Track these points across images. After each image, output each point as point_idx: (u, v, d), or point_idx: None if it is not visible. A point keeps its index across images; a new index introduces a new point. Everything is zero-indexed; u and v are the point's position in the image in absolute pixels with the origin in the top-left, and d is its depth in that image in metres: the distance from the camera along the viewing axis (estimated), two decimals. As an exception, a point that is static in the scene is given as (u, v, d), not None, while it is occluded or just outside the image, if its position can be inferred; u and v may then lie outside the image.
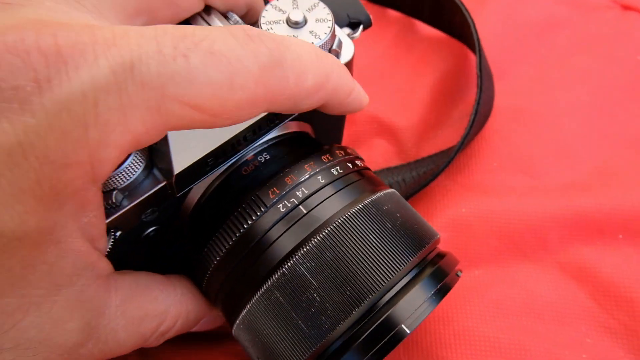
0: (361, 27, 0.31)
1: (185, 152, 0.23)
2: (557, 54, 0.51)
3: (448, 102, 0.47)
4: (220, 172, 0.27)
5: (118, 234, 0.23)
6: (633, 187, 0.39)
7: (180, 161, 0.23)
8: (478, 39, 0.41)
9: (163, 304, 0.24)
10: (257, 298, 0.24)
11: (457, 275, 0.27)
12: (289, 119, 0.28)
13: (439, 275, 0.25)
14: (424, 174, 0.40)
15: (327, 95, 0.22)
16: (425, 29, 0.52)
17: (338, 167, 0.26)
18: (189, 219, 0.27)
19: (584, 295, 0.35)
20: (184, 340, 0.32)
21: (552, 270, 0.37)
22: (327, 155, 0.27)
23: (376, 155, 0.44)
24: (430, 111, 0.46)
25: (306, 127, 0.31)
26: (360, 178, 0.27)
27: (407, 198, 0.39)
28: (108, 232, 0.22)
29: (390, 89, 0.48)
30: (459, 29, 0.45)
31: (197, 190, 0.27)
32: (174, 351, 0.32)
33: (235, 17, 0.27)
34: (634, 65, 0.50)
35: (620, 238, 0.37)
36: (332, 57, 0.23)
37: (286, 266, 0.23)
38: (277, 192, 0.25)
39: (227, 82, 0.17)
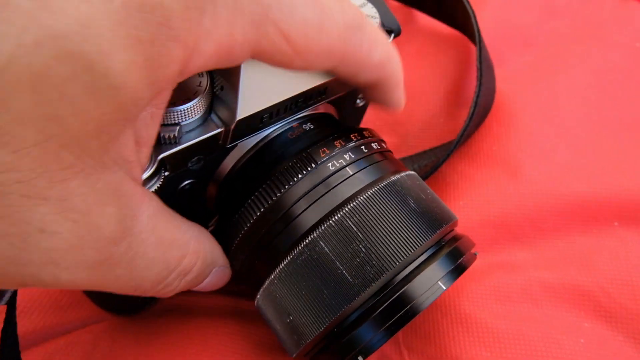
0: (392, 35, 0.34)
1: (249, 102, 0.25)
2: (556, 42, 0.52)
3: (449, 93, 0.48)
4: (266, 134, 0.28)
5: (166, 173, 0.24)
6: (628, 173, 0.40)
7: (243, 109, 0.24)
8: (479, 30, 0.42)
9: (186, 234, 0.24)
10: (282, 267, 0.26)
11: (475, 255, 0.29)
12: (329, 99, 0.30)
13: (456, 254, 0.27)
14: (425, 166, 0.41)
15: (384, 76, 0.24)
16: (426, 20, 0.52)
17: (364, 147, 0.28)
18: (226, 177, 0.29)
19: (582, 280, 0.36)
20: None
21: (549, 257, 0.37)
22: (356, 134, 0.28)
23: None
24: (432, 102, 0.47)
25: (333, 111, 0.33)
26: (383, 159, 0.29)
27: None
28: (159, 171, 0.23)
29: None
30: (460, 19, 0.46)
31: (242, 147, 0.28)
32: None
33: None
34: (633, 53, 0.50)
35: (615, 225, 0.38)
36: (395, 47, 0.25)
37: (309, 237, 0.25)
38: (312, 164, 0.26)
39: (317, 24, 0.19)
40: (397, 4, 0.53)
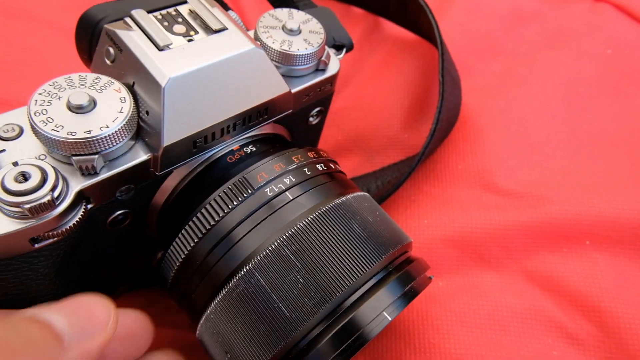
0: (344, 49, 0.34)
1: (177, 127, 0.23)
2: (525, 49, 0.50)
3: (413, 107, 0.46)
4: (205, 158, 0.27)
5: (89, 206, 0.23)
6: (599, 192, 0.38)
7: (170, 134, 0.23)
8: (442, 43, 0.40)
9: None
10: (218, 300, 0.24)
11: (429, 278, 0.27)
12: (273, 119, 0.29)
13: (406, 279, 0.25)
14: (388, 183, 0.40)
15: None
16: (391, 28, 0.51)
17: (307, 169, 0.27)
18: (163, 206, 0.27)
19: (551, 305, 0.34)
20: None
21: (517, 279, 0.36)
22: (298, 155, 0.27)
23: (343, 165, 0.43)
24: (396, 117, 0.45)
25: (284, 132, 0.32)
26: (330, 180, 0.27)
27: None
28: (78, 203, 0.22)
29: (355, 94, 0.47)
30: (425, 28, 0.45)
31: (175, 176, 0.27)
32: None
33: None
34: (604, 60, 0.48)
35: (587, 244, 0.36)
36: None
37: (246, 268, 0.24)
38: (249, 190, 0.25)
39: None
40: (362, 11, 0.52)
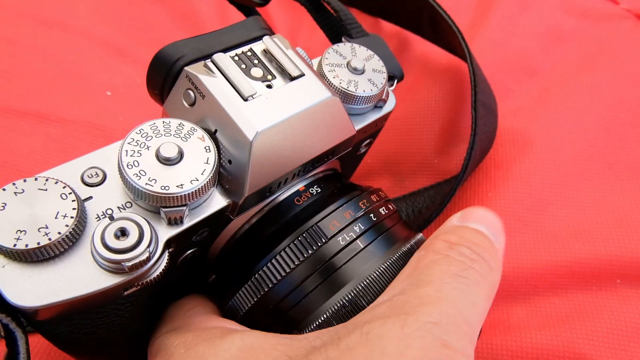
0: (396, 80, 0.34)
1: (259, 177, 0.24)
2: (563, 70, 0.49)
3: (444, 131, 0.46)
4: (272, 198, 0.28)
5: (170, 250, 0.23)
6: (633, 229, 0.39)
7: (253, 185, 0.24)
8: (475, 73, 0.40)
9: None
10: None
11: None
12: (336, 157, 0.30)
13: None
14: (419, 212, 0.40)
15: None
16: (423, 46, 0.50)
17: (372, 215, 0.28)
18: (227, 242, 0.28)
19: (579, 341, 0.35)
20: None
21: (545, 315, 0.37)
22: (364, 201, 0.28)
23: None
24: (426, 141, 0.45)
25: (336, 164, 0.32)
26: (392, 224, 0.28)
27: None
28: (165, 250, 0.23)
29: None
30: (458, 50, 0.44)
31: (244, 216, 0.27)
32: None
33: None
34: None
35: (618, 283, 0.38)
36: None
37: (322, 318, 0.24)
38: (322, 239, 0.26)
39: None
40: (393, 27, 0.51)
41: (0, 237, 0.19)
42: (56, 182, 0.21)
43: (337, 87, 0.28)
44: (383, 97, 0.30)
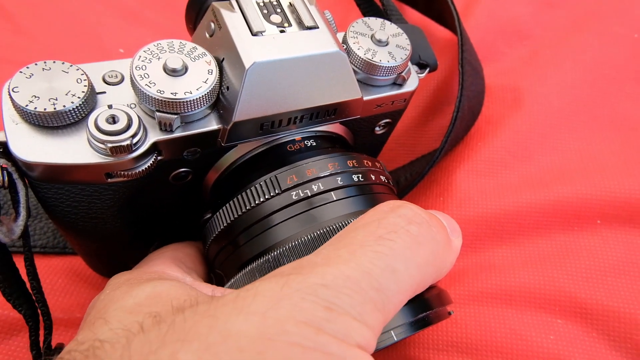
0: (428, 69, 0.35)
1: (249, 107, 0.26)
2: (552, 33, 0.52)
3: (438, 98, 0.48)
4: (268, 141, 0.29)
5: (160, 157, 0.26)
6: (613, 173, 0.40)
7: (242, 112, 0.26)
8: (462, 33, 0.41)
9: None
10: (240, 276, 0.27)
11: (449, 314, 0.28)
12: (340, 121, 0.31)
13: (422, 307, 0.25)
14: (415, 174, 0.42)
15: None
16: (417, 17, 0.52)
17: (360, 175, 0.28)
18: (221, 174, 0.30)
19: (561, 277, 0.37)
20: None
21: (530, 254, 0.39)
22: (354, 161, 0.28)
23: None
24: (419, 107, 0.47)
25: (348, 135, 0.33)
26: (376, 192, 0.28)
27: (400, 198, 0.42)
28: (151, 152, 0.25)
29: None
30: (449, 20, 0.46)
31: (239, 150, 0.29)
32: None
33: None
34: (631, 44, 0.50)
35: (598, 223, 0.39)
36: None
37: (272, 254, 0.26)
38: (295, 179, 0.27)
39: None
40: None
41: (19, 97, 0.23)
42: (77, 69, 0.25)
43: (354, 52, 0.29)
44: (403, 74, 0.30)
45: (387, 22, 0.31)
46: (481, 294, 0.36)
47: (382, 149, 0.39)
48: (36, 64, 0.24)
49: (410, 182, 0.41)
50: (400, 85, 0.31)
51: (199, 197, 0.32)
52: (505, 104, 0.46)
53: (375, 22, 0.31)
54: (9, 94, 0.23)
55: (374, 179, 0.29)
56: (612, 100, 0.46)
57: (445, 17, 0.46)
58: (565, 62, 0.48)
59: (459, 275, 0.38)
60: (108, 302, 0.23)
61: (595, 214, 0.39)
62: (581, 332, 0.34)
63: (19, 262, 0.27)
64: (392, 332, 0.24)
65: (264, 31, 0.25)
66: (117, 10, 0.53)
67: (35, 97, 0.23)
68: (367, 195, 0.27)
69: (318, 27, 0.27)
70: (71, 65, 0.25)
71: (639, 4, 0.52)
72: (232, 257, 0.27)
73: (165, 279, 0.25)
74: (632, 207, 0.39)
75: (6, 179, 0.24)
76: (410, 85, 0.32)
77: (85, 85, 0.24)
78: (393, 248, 0.21)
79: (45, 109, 0.23)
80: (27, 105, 0.23)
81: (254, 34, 0.25)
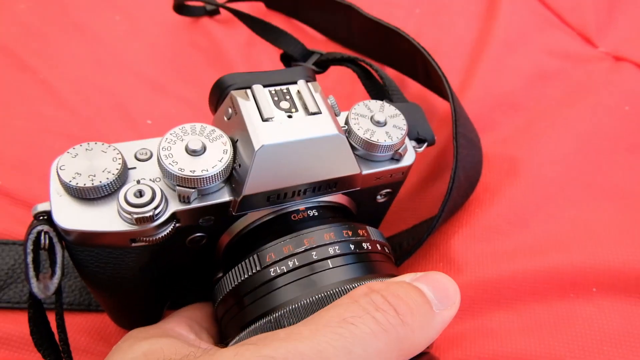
0: (426, 143, 0.38)
1: (258, 182, 0.29)
2: (546, 105, 0.55)
3: (438, 165, 0.51)
4: (275, 210, 0.32)
5: (177, 224, 0.29)
6: (608, 242, 0.42)
7: (251, 187, 0.29)
8: (455, 107, 0.45)
9: None
10: (244, 334, 0.29)
11: None
12: (342, 192, 0.34)
13: None
14: (413, 240, 0.44)
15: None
16: (418, 89, 0.56)
17: (354, 245, 0.30)
18: (233, 238, 0.33)
19: (558, 347, 0.37)
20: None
21: (526, 321, 0.40)
22: (349, 231, 0.31)
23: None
24: (423, 176, 0.50)
25: (351, 204, 0.36)
26: (370, 261, 0.30)
27: (402, 262, 0.44)
28: (172, 220, 0.29)
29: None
30: (445, 94, 0.49)
31: (248, 218, 0.32)
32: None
33: None
34: (622, 116, 0.53)
35: (594, 291, 0.40)
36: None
37: (274, 315, 0.28)
38: (292, 249, 0.29)
39: None
40: (395, 73, 0.58)
41: (65, 174, 0.27)
42: (114, 149, 0.29)
43: (354, 132, 0.33)
44: (399, 150, 0.34)
45: (387, 105, 0.35)
46: (479, 357, 0.37)
47: (384, 216, 0.42)
48: (81, 145, 0.29)
49: (412, 246, 0.43)
50: (398, 160, 0.35)
51: (213, 258, 0.35)
52: (502, 172, 0.49)
53: (375, 104, 0.35)
54: (57, 171, 0.27)
55: (369, 247, 0.31)
56: (603, 169, 0.48)
57: (443, 91, 0.50)
58: (559, 133, 0.51)
59: (457, 339, 0.39)
60: (113, 353, 0.27)
61: (591, 282, 0.40)
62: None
63: (50, 317, 0.30)
64: None
65: (273, 117, 0.29)
66: (147, 84, 0.59)
67: (78, 174, 0.27)
68: (363, 263, 0.30)
69: (321, 113, 0.31)
70: (109, 146, 0.29)
71: (629, 77, 0.56)
72: (236, 317, 0.30)
73: (168, 336, 0.28)
74: (626, 276, 0.40)
75: (47, 242, 0.27)
76: (407, 160, 0.35)
77: (119, 164, 0.28)
78: (353, 332, 0.22)
79: (85, 184, 0.27)
80: (70, 181, 0.27)
81: (264, 120, 0.29)
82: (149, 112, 0.56)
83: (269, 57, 0.63)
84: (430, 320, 0.24)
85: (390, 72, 0.58)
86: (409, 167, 0.36)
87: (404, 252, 0.44)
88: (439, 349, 0.39)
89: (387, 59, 0.57)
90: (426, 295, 0.25)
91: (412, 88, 0.57)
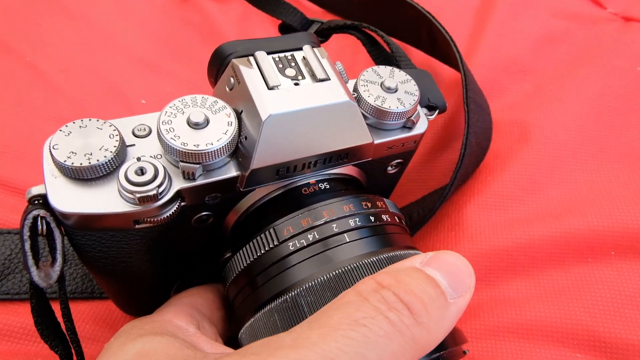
0: (437, 111, 0.36)
1: (266, 155, 0.28)
2: (555, 68, 0.53)
3: (446, 134, 0.49)
4: (284, 184, 0.31)
5: (183, 203, 0.28)
6: (624, 204, 0.41)
7: (259, 160, 0.28)
8: (465, 72, 0.43)
9: None
10: (259, 315, 0.28)
11: (464, 353, 0.28)
12: (353, 163, 0.32)
13: (435, 347, 0.25)
14: (426, 209, 0.43)
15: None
16: (421, 57, 0.54)
17: (374, 216, 0.29)
18: (241, 215, 0.32)
19: (578, 310, 0.37)
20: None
21: (544, 287, 0.39)
22: (368, 203, 0.29)
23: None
24: (432, 147, 0.49)
25: (361, 176, 0.35)
26: (390, 233, 0.29)
27: (413, 233, 0.43)
28: (175, 199, 0.27)
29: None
30: (453, 60, 0.48)
31: (256, 194, 0.31)
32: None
33: None
34: (634, 77, 0.51)
35: (612, 255, 0.39)
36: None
37: (290, 294, 0.27)
38: (310, 222, 0.28)
39: None
40: (396, 40, 0.55)
41: (59, 153, 0.25)
42: (110, 126, 0.27)
43: (364, 99, 0.31)
44: (412, 118, 0.32)
45: (396, 70, 0.33)
46: (497, 329, 0.37)
47: (393, 189, 0.41)
48: (74, 122, 0.27)
49: (423, 217, 0.43)
50: (410, 128, 0.33)
51: (220, 238, 0.33)
52: (513, 138, 0.47)
53: (384, 70, 0.33)
54: (50, 151, 0.25)
55: (387, 219, 0.30)
56: (617, 131, 0.47)
57: (450, 57, 0.48)
58: (569, 96, 0.49)
59: (474, 310, 0.38)
60: (104, 352, 0.25)
61: (609, 245, 0.39)
62: (602, 366, 0.34)
63: (54, 306, 0.28)
64: None
65: (279, 85, 0.28)
66: (140, 64, 0.57)
67: (73, 152, 0.26)
68: (381, 236, 0.29)
69: (330, 79, 0.29)
70: (105, 122, 0.27)
71: (638, 38, 0.54)
72: (250, 298, 0.29)
73: (164, 332, 0.26)
74: (645, 238, 0.39)
75: (44, 227, 0.26)
76: (420, 127, 0.33)
77: (117, 141, 0.26)
78: (367, 335, 0.20)
79: (81, 164, 0.25)
80: (65, 161, 0.25)
81: (269, 88, 0.27)
82: (142, 91, 0.54)
83: (265, 31, 0.61)
84: (444, 312, 0.23)
85: (396, 42, 0.56)
86: (421, 135, 0.34)
87: (415, 223, 0.43)
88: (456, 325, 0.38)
89: (388, 28, 0.55)
90: (440, 285, 0.23)
91: (417, 57, 0.55)
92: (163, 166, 0.26)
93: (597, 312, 0.36)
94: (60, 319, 0.28)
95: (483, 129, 0.45)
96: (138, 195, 0.25)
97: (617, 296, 0.37)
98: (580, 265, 0.39)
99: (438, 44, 0.49)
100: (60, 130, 0.26)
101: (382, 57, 0.44)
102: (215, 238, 0.33)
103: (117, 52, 0.57)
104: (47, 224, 0.26)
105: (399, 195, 0.47)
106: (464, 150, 0.40)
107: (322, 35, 0.47)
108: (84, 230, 0.27)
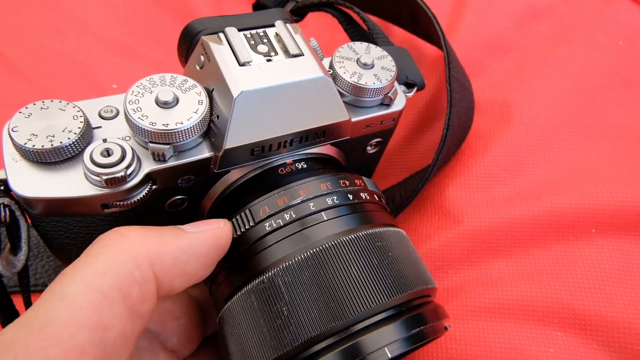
0: (415, 88, 0.36)
1: (239, 134, 0.27)
2: (537, 44, 0.53)
3: (427, 115, 0.49)
4: (260, 165, 0.30)
5: (154, 187, 0.27)
6: (605, 182, 0.41)
7: (232, 139, 0.27)
8: (448, 51, 0.43)
9: None
10: (236, 298, 0.27)
11: (445, 328, 0.28)
12: (330, 142, 0.32)
13: (417, 322, 0.26)
14: (409, 190, 0.43)
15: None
16: (402, 34, 0.54)
17: (350, 195, 0.28)
18: (216, 199, 0.31)
19: (558, 288, 0.37)
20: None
21: (525, 266, 0.39)
22: (346, 181, 0.29)
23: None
24: (411, 125, 0.48)
25: (340, 156, 0.34)
26: (368, 210, 0.29)
27: (396, 215, 0.43)
28: (145, 183, 0.26)
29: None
30: (434, 37, 0.47)
31: (231, 176, 0.30)
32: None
33: None
34: (616, 52, 0.51)
35: (593, 232, 0.40)
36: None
37: (267, 274, 0.26)
38: (287, 201, 0.27)
39: None
40: (377, 20, 0.54)
41: (18, 136, 0.24)
42: (74, 107, 0.26)
43: (340, 76, 0.30)
44: (389, 94, 0.32)
45: (372, 46, 0.32)
46: (479, 308, 0.37)
47: (375, 168, 0.40)
48: (34, 104, 0.26)
49: (405, 199, 0.42)
50: (388, 106, 0.33)
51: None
52: (494, 118, 0.47)
53: (360, 46, 0.32)
54: (9, 134, 0.24)
55: (366, 197, 0.29)
56: (600, 108, 0.47)
57: (431, 34, 0.48)
58: (552, 73, 0.49)
59: (455, 290, 0.39)
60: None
61: (590, 223, 0.39)
62: (581, 344, 0.35)
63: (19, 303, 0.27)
64: (385, 348, 0.24)
65: (251, 61, 0.27)
66: (110, 47, 0.55)
67: (34, 135, 0.24)
68: (359, 214, 0.28)
69: (303, 55, 0.28)
70: (68, 103, 0.26)
71: (622, 11, 0.54)
72: (227, 281, 0.28)
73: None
74: (625, 215, 0.39)
75: (7, 214, 0.24)
76: (398, 104, 0.33)
77: (81, 122, 0.25)
78: None
79: (42, 146, 0.24)
80: (25, 144, 0.24)
81: (241, 65, 0.27)
82: (113, 76, 0.52)
83: (241, 11, 0.59)
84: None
85: (373, 20, 0.55)
86: (399, 113, 0.33)
87: (397, 205, 0.43)
88: (438, 300, 0.38)
89: (368, 5, 0.54)
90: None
91: (397, 35, 0.54)
92: (131, 147, 0.25)
93: (577, 290, 0.37)
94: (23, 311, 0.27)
95: (465, 109, 0.45)
96: (105, 177, 0.24)
97: (597, 274, 0.37)
98: (561, 244, 0.39)
99: (420, 21, 0.48)
100: (20, 112, 0.25)
101: (359, 35, 0.43)
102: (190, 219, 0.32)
103: (86, 34, 0.56)
104: (12, 211, 0.25)
105: (381, 177, 0.47)
106: (446, 131, 0.40)
107: (298, 14, 0.46)
108: (50, 216, 0.26)
